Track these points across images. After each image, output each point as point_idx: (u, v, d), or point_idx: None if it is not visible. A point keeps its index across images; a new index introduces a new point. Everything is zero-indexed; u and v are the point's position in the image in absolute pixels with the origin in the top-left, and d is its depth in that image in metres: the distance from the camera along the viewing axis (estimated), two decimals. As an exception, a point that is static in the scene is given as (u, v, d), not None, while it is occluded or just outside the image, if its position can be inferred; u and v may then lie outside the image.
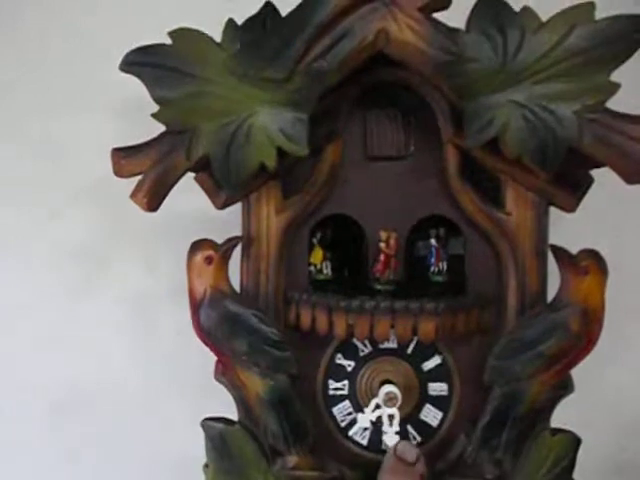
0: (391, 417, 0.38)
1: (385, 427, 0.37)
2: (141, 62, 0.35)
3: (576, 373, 0.39)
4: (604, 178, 0.38)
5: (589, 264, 0.38)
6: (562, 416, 0.40)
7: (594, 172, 0.39)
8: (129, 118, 0.53)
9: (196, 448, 0.42)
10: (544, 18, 0.34)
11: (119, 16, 0.54)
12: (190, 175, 0.40)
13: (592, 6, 0.33)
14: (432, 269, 0.44)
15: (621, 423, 0.51)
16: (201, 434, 0.42)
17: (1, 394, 0.58)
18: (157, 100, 0.35)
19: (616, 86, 0.34)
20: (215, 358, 0.41)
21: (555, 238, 0.40)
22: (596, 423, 0.47)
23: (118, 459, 0.57)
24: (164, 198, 0.36)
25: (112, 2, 0.55)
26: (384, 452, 0.41)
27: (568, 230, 0.41)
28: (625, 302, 0.50)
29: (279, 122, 0.35)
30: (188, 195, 0.44)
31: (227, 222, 0.42)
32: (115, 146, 0.36)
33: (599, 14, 0.34)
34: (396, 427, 0.37)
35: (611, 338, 0.46)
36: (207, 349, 0.40)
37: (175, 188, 0.37)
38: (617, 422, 0.51)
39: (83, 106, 0.55)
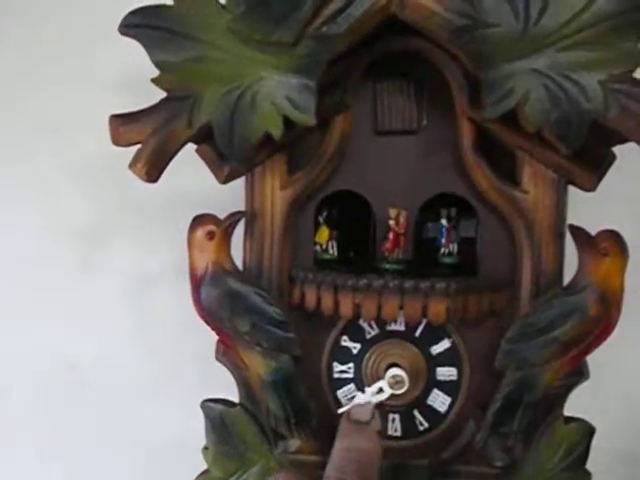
0: (380, 390, 0.36)
1: (367, 391, 0.36)
2: (140, 24, 0.33)
3: (591, 359, 0.38)
4: (627, 155, 0.36)
5: (609, 245, 0.36)
6: (576, 404, 0.38)
7: (616, 149, 0.37)
8: (130, 93, 0.51)
9: (196, 430, 0.41)
10: (570, -20, 0.32)
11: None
12: (192, 153, 0.39)
13: (622, -33, 0.31)
14: (442, 250, 0.42)
15: (635, 411, 0.50)
16: (200, 416, 0.41)
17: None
18: (157, 64, 0.33)
19: (645, 55, 0.32)
20: (216, 338, 0.40)
21: (573, 219, 0.38)
22: (611, 412, 0.46)
23: (115, 440, 0.56)
24: (164, 169, 0.34)
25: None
26: (388, 437, 0.40)
27: (587, 210, 0.39)
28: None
29: (286, 89, 0.33)
30: (190, 173, 0.43)
31: (230, 202, 0.41)
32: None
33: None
34: (374, 398, 0.35)
35: (630, 322, 0.44)
36: (208, 329, 0.39)
37: (177, 166, 0.36)
38: (633, 411, 0.50)
39: (82, 81, 0.54)
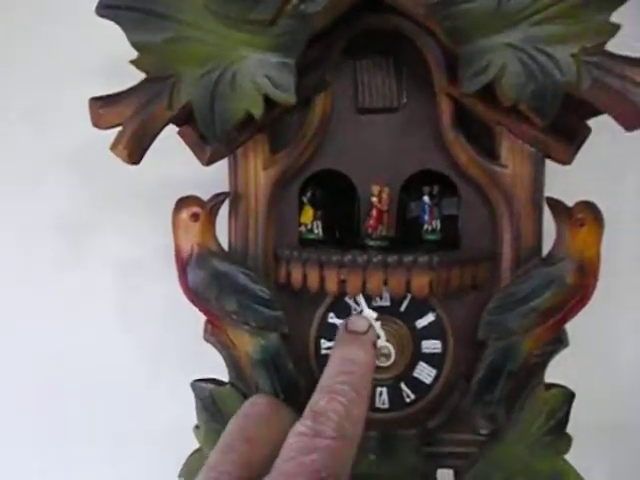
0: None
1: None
2: (118, 5, 0.33)
3: (573, 329, 0.39)
4: (602, 129, 0.37)
5: (585, 216, 0.37)
6: (558, 373, 0.39)
7: (591, 122, 0.38)
8: (112, 80, 0.51)
9: (187, 412, 0.42)
10: (543, -45, 0.32)
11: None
12: (174, 137, 0.39)
13: (593, -59, 0.32)
14: (425, 227, 0.43)
15: (619, 378, 0.51)
16: (190, 399, 0.41)
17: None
18: (136, 46, 0.33)
19: (616, 27, 0.32)
20: (204, 320, 0.40)
21: (551, 192, 0.39)
22: (593, 378, 0.47)
23: (107, 426, 0.57)
24: (146, 150, 0.35)
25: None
26: (377, 409, 0.41)
27: (565, 183, 0.40)
28: (623, 254, 0.50)
29: (265, 68, 0.33)
30: (173, 158, 0.43)
31: (214, 184, 0.41)
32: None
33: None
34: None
35: (609, 291, 0.45)
36: (196, 314, 0.39)
37: (159, 151, 0.36)
38: (615, 380, 0.51)
39: (64, 70, 0.53)
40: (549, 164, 0.39)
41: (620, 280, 0.49)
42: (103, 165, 0.49)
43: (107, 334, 0.56)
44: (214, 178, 0.41)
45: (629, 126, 0.33)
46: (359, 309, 0.39)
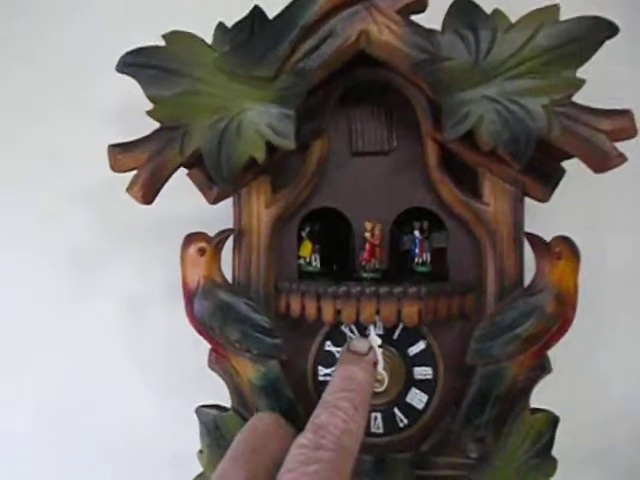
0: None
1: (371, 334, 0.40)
2: (136, 63, 0.37)
3: (560, 358, 0.41)
4: (577, 169, 0.40)
5: (562, 249, 0.40)
6: (546, 399, 0.42)
7: (569, 163, 0.41)
8: (125, 121, 0.55)
9: (190, 441, 0.44)
10: (513, 19, 0.36)
11: (117, 19, 0.56)
12: (182, 177, 0.42)
13: (557, 8, 0.36)
14: (416, 260, 0.46)
15: (604, 407, 0.53)
16: (194, 430, 0.43)
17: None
18: (151, 98, 0.37)
19: (582, 82, 0.36)
20: (208, 350, 0.42)
21: (532, 227, 0.42)
22: (579, 407, 0.49)
23: (113, 452, 0.58)
24: (158, 191, 0.38)
25: (109, 6, 0.57)
26: (372, 434, 0.43)
27: (545, 219, 0.43)
28: (606, 286, 0.52)
29: (268, 118, 0.37)
30: (180, 195, 0.46)
31: (219, 222, 0.44)
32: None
33: (563, 16, 0.36)
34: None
35: (593, 322, 0.48)
36: (200, 346, 0.42)
37: (169, 192, 0.39)
38: (600, 406, 0.53)
39: (80, 108, 0.57)
40: (528, 201, 0.42)
41: (603, 309, 0.52)
42: (114, 202, 0.52)
43: (114, 364, 0.58)
44: (218, 215, 0.44)
45: (597, 169, 0.37)
46: (367, 332, 0.41)
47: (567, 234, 0.41)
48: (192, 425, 0.43)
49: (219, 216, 0.44)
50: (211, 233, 0.42)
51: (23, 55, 0.58)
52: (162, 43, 0.37)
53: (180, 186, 0.41)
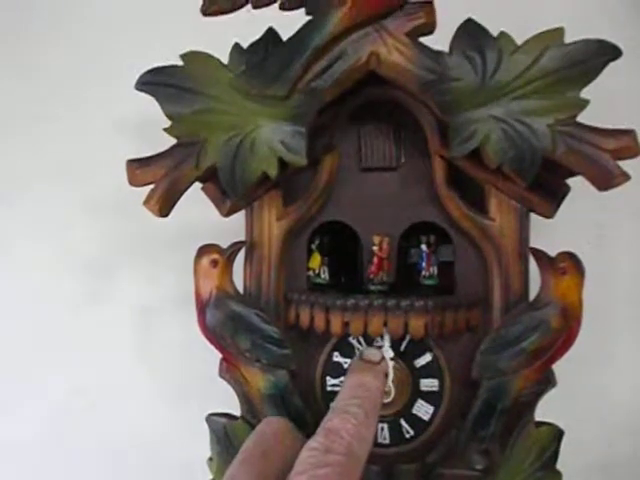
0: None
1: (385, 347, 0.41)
2: (155, 82, 0.38)
3: (565, 372, 0.41)
4: (582, 186, 0.41)
5: (567, 265, 0.41)
6: (550, 412, 0.42)
7: (575, 179, 0.42)
8: (139, 133, 0.57)
9: (200, 448, 0.45)
10: (519, 42, 0.38)
11: (135, 35, 0.58)
12: (195, 194, 0.43)
13: (562, 31, 0.37)
14: (423, 273, 0.46)
15: (608, 421, 0.54)
16: (203, 438, 0.44)
17: (5, 403, 0.60)
18: (169, 116, 0.38)
19: (586, 102, 0.37)
20: (218, 360, 0.43)
21: (537, 242, 0.43)
22: (584, 420, 0.50)
23: (123, 461, 0.59)
24: (174, 205, 0.39)
25: (130, 25, 0.59)
26: (379, 445, 0.43)
27: (551, 234, 0.44)
28: (611, 300, 0.53)
29: (280, 135, 0.38)
30: (194, 206, 0.48)
31: (231, 233, 0.45)
32: (123, 162, 0.39)
33: (568, 38, 0.37)
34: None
35: (598, 336, 0.48)
36: (211, 355, 0.43)
37: (182, 203, 0.40)
38: (605, 419, 0.54)
39: (95, 119, 0.59)
40: (533, 217, 0.43)
41: (607, 323, 0.52)
42: (127, 213, 0.53)
43: (125, 372, 0.59)
44: (231, 227, 0.45)
45: (601, 187, 0.38)
46: (378, 344, 0.42)
47: (571, 249, 0.41)
48: (202, 433, 0.44)
49: (231, 227, 0.45)
50: (223, 244, 0.43)
51: (41, 66, 0.60)
52: (180, 63, 0.39)
53: (193, 198, 0.42)
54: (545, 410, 0.42)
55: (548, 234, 0.44)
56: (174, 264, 0.56)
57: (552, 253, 0.41)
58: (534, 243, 0.42)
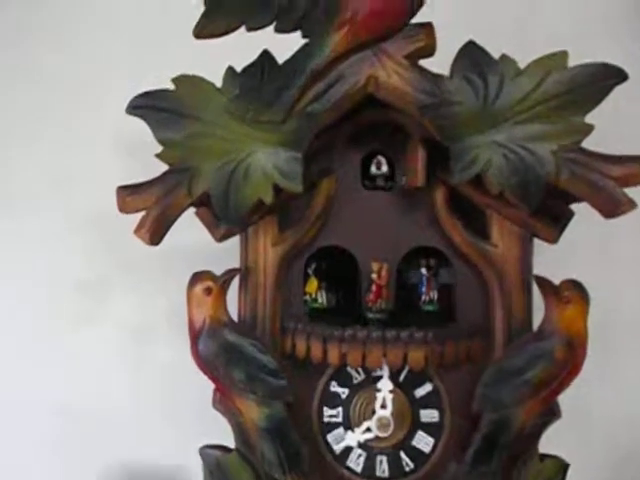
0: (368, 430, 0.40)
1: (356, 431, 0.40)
2: (146, 106, 0.37)
3: (569, 400, 0.40)
4: (586, 210, 0.40)
5: (571, 294, 0.39)
6: (555, 442, 0.41)
7: (578, 205, 0.41)
8: (134, 152, 0.56)
9: (187, 474, 0.43)
10: (521, 65, 0.36)
11: (127, 60, 0.57)
12: (190, 210, 0.42)
13: (565, 54, 0.36)
14: (423, 298, 0.45)
15: (614, 448, 0.52)
16: (196, 463, 0.42)
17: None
18: (161, 141, 0.37)
19: (591, 127, 0.36)
20: (213, 387, 0.42)
21: (538, 264, 0.41)
22: (589, 449, 0.48)
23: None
24: (166, 233, 0.38)
25: (122, 48, 0.58)
26: (378, 478, 0.42)
27: (553, 260, 0.43)
28: (613, 328, 0.52)
29: (275, 161, 0.37)
30: (187, 228, 0.46)
31: (225, 255, 0.44)
32: (120, 179, 0.38)
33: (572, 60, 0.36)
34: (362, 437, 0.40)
35: (600, 364, 0.47)
36: (204, 379, 0.41)
37: (176, 223, 0.39)
38: (610, 447, 0.52)
39: (91, 141, 0.58)
40: (539, 243, 0.42)
41: (613, 351, 0.51)
42: (118, 232, 0.52)
43: (115, 394, 0.58)
44: (225, 247, 0.44)
45: (607, 214, 0.36)
46: (376, 374, 0.41)
47: (573, 270, 0.40)
48: (194, 457, 0.43)
49: (226, 247, 0.44)
50: (217, 264, 0.42)
51: (33, 80, 0.59)
52: (172, 86, 0.37)
53: (188, 218, 0.41)
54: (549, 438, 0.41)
55: (549, 256, 0.43)
56: (166, 284, 0.55)
57: (553, 274, 0.40)
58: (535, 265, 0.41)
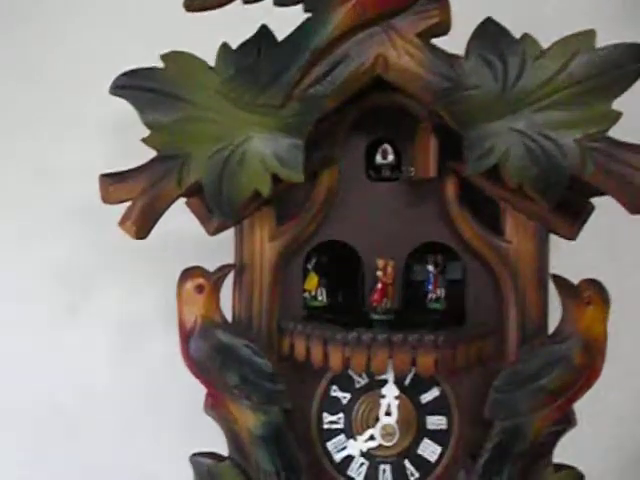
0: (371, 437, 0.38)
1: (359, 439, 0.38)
2: (132, 85, 0.34)
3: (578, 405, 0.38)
4: (607, 205, 0.37)
5: (591, 294, 0.37)
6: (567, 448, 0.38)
7: (596, 199, 0.38)
8: (120, 140, 0.53)
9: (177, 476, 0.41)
10: (544, 45, 0.33)
11: (113, 38, 0.54)
12: (181, 199, 0.39)
13: (593, 34, 0.33)
14: (430, 296, 0.43)
15: (623, 453, 0.50)
16: (185, 463, 0.40)
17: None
18: (148, 125, 0.34)
19: (618, 114, 0.33)
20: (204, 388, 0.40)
21: (557, 266, 0.39)
22: (598, 455, 0.46)
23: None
24: (153, 226, 0.35)
25: (106, 23, 0.54)
26: (380, 489, 0.40)
27: (570, 258, 0.40)
28: (626, 329, 0.49)
29: (274, 148, 0.34)
30: (178, 218, 0.43)
31: (219, 245, 0.41)
32: (106, 168, 0.35)
33: (599, 42, 0.33)
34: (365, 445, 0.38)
35: (613, 365, 0.45)
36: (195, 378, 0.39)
37: (166, 213, 0.36)
38: (620, 453, 0.50)
39: (75, 127, 0.55)
40: (554, 238, 0.39)
41: (624, 356, 0.49)
42: (107, 222, 0.49)
43: (100, 390, 0.55)
44: (218, 238, 0.41)
45: (633, 210, 0.34)
46: (381, 378, 0.38)
47: (578, 268, 0.37)
48: (183, 459, 0.40)
49: (221, 238, 0.41)
50: (210, 255, 0.39)
51: (18, 72, 0.56)
52: (160, 64, 0.34)
53: (178, 205, 0.38)
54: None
55: (567, 257, 0.41)
56: (155, 279, 0.52)
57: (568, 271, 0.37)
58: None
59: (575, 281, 0.37)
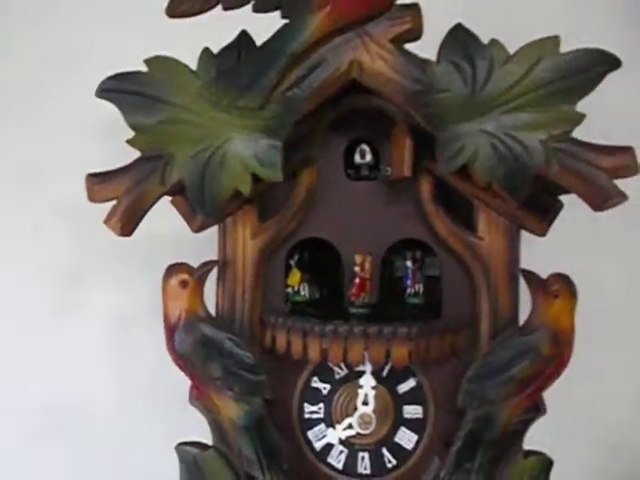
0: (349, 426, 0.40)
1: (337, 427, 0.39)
2: (117, 89, 0.35)
3: (552, 395, 0.39)
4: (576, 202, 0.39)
5: (559, 288, 0.38)
6: (539, 437, 0.40)
7: (567, 196, 0.40)
8: (111, 135, 0.53)
9: (173, 471, 0.42)
10: (511, 51, 0.35)
11: (99, 41, 0.55)
12: (167, 197, 0.40)
13: (557, 39, 0.35)
14: (408, 291, 0.44)
15: (597, 443, 0.52)
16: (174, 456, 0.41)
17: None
18: (132, 126, 0.35)
19: (582, 116, 0.35)
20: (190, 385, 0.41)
21: (528, 262, 0.40)
22: (574, 442, 0.48)
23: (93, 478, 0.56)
24: (138, 223, 0.36)
25: (97, 23, 0.55)
26: (359, 476, 0.41)
27: (541, 254, 0.42)
28: (597, 321, 0.51)
29: (253, 148, 0.35)
30: (166, 216, 0.45)
31: (204, 242, 0.42)
32: (93, 165, 0.36)
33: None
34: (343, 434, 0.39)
35: (587, 356, 0.46)
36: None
37: (154, 208, 0.37)
38: (594, 442, 0.52)
39: (64, 126, 0.56)
40: (525, 235, 0.40)
41: (598, 347, 0.50)
42: (98, 220, 0.50)
43: (97, 383, 0.56)
44: (203, 235, 0.42)
45: (596, 207, 0.35)
46: (359, 369, 0.40)
47: (558, 264, 0.39)
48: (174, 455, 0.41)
49: (206, 236, 0.42)
50: (197, 254, 0.40)
51: (5, 64, 0.57)
52: (144, 68, 0.35)
53: (166, 202, 0.40)
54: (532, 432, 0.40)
55: (538, 253, 0.42)
56: (147, 276, 0.53)
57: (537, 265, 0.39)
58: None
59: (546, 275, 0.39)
